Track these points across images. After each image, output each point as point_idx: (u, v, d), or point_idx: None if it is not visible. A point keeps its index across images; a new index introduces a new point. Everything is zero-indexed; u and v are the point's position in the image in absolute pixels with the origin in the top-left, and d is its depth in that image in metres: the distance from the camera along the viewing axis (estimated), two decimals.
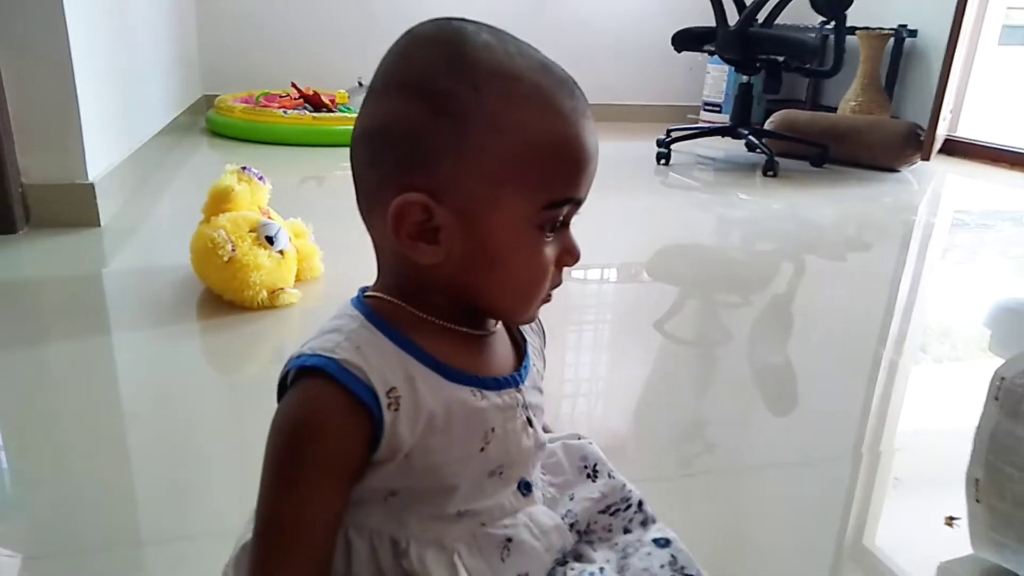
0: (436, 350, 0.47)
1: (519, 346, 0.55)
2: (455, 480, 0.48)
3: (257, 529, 0.45)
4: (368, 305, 0.49)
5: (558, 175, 0.46)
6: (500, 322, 0.53)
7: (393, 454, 0.45)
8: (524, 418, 0.51)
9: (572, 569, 0.51)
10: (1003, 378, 0.73)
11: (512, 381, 0.51)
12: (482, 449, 0.48)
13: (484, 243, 0.45)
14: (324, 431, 0.44)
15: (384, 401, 0.44)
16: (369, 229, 0.50)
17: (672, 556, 0.54)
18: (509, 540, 0.50)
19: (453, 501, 0.48)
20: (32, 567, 0.72)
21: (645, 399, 1.18)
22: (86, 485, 0.87)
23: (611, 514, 0.58)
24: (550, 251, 0.47)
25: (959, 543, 0.80)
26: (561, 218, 0.47)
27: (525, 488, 0.52)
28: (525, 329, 0.56)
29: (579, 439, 0.61)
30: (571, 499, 0.57)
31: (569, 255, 0.49)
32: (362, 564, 0.47)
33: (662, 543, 0.55)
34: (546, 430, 0.59)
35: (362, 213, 0.50)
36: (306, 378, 0.45)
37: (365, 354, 0.45)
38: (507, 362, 0.52)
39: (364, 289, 0.51)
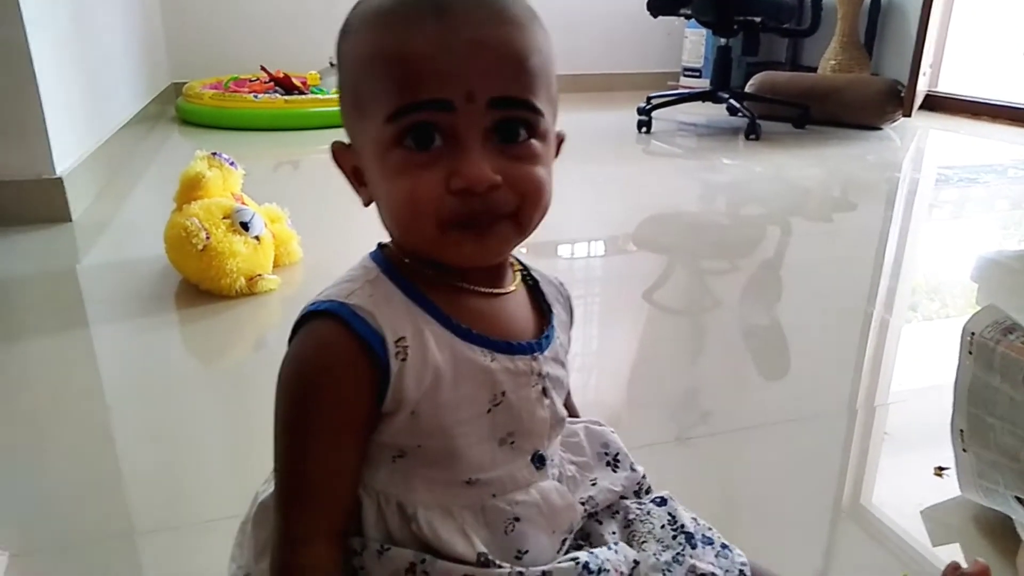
0: (448, 307, 0.47)
1: (543, 316, 0.53)
2: (461, 442, 0.46)
3: (277, 483, 0.46)
4: (385, 256, 0.48)
5: (384, 84, 0.42)
6: (518, 286, 0.52)
7: (398, 406, 0.45)
8: (540, 388, 0.49)
9: (588, 552, 0.49)
10: (973, 333, 0.75)
11: (528, 348, 0.49)
12: (489, 411, 0.47)
13: (369, 174, 0.46)
14: (332, 373, 0.44)
15: (392, 350, 0.44)
16: None
17: (670, 514, 0.55)
18: (517, 519, 0.48)
19: (462, 467, 0.47)
20: (20, 564, 0.71)
21: (638, 369, 1.17)
22: (71, 480, 0.85)
23: (622, 497, 0.57)
24: (432, 172, 0.42)
25: (949, 493, 0.81)
26: (426, 128, 0.42)
27: (539, 461, 0.50)
28: (552, 301, 0.54)
29: (600, 426, 0.60)
30: (593, 485, 0.56)
31: (454, 175, 0.42)
32: (370, 523, 0.47)
33: (658, 501, 0.56)
34: (572, 412, 0.58)
35: None
36: (316, 319, 0.45)
37: (377, 302, 0.45)
38: (525, 328, 0.51)
39: (383, 244, 0.50)
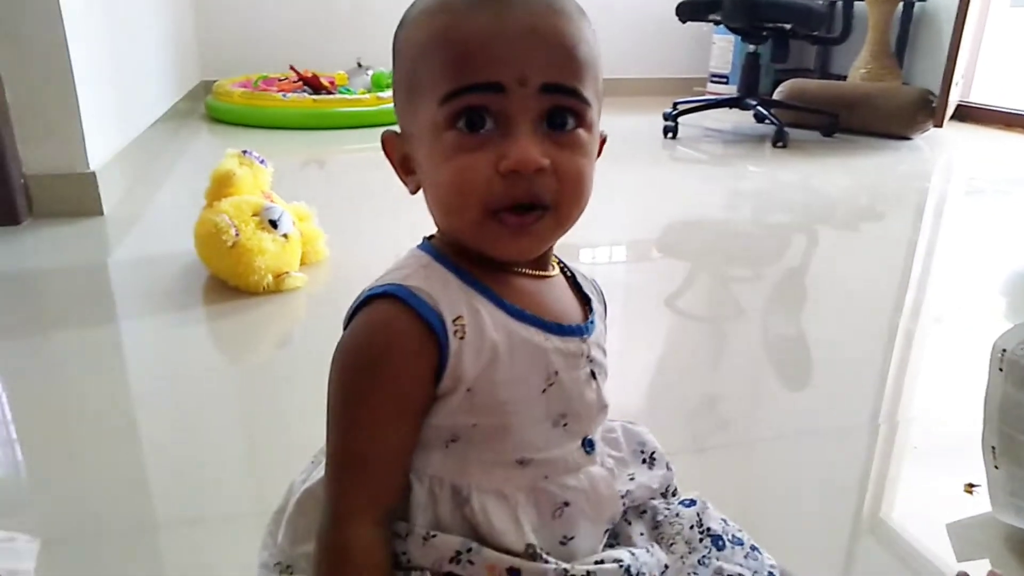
0: (500, 289, 0.48)
1: (584, 303, 0.54)
2: (516, 420, 0.47)
3: (329, 461, 0.46)
4: (432, 245, 0.49)
5: (440, 66, 0.43)
6: (558, 271, 0.53)
7: (456, 384, 0.45)
8: (588, 371, 0.50)
9: (628, 552, 0.50)
10: (1004, 350, 0.74)
11: (578, 330, 0.50)
12: (544, 391, 0.48)
13: (419, 160, 0.47)
14: (393, 350, 0.44)
15: (451, 328, 0.44)
16: None
17: (698, 515, 0.55)
18: (566, 504, 0.49)
19: (515, 445, 0.47)
20: (51, 551, 0.72)
21: (658, 375, 1.16)
22: (99, 471, 0.87)
23: (651, 498, 0.58)
24: (481, 155, 0.43)
25: (978, 509, 0.79)
26: (478, 111, 0.42)
27: (589, 446, 0.51)
28: (588, 292, 0.55)
29: (635, 426, 0.61)
30: (631, 480, 0.56)
31: (505, 158, 0.42)
32: (419, 509, 0.47)
33: (687, 503, 0.57)
34: None
35: None
36: (375, 301, 0.45)
37: (433, 284, 0.46)
38: (572, 312, 0.52)
39: (429, 236, 0.51)
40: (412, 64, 0.46)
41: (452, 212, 0.46)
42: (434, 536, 0.46)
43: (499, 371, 0.46)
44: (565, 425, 0.49)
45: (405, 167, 0.49)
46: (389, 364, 0.44)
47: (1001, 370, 0.74)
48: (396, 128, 0.50)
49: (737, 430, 0.99)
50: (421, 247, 0.50)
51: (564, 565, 0.46)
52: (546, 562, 0.46)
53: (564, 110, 0.44)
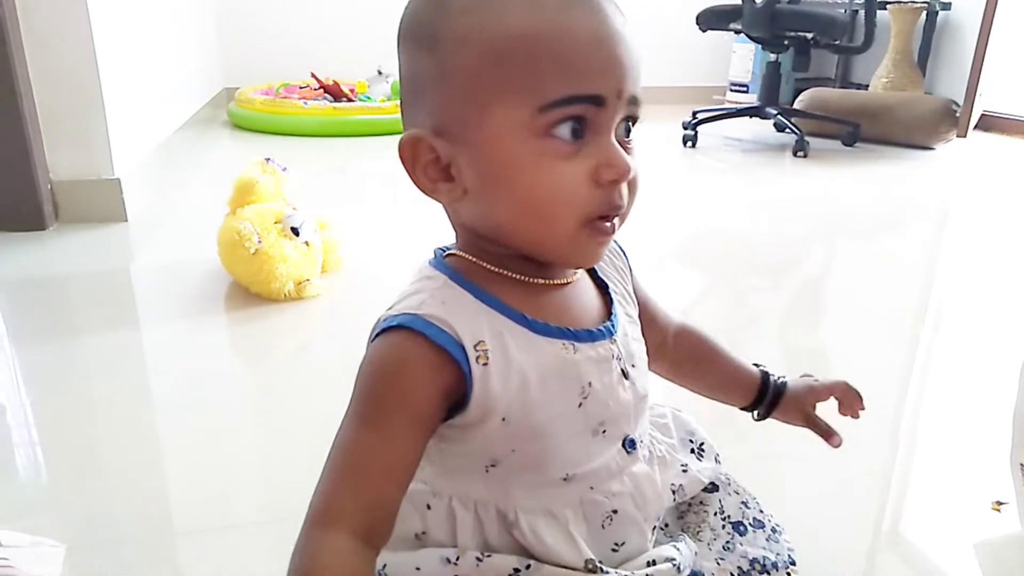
0: (521, 305, 0.46)
1: (605, 294, 0.52)
2: (557, 440, 0.46)
3: (327, 463, 0.44)
4: (447, 264, 0.48)
5: (541, 70, 0.41)
6: (582, 271, 0.51)
7: (486, 414, 0.44)
8: (619, 370, 0.49)
9: (673, 547, 0.50)
10: None
11: (605, 332, 0.49)
12: (580, 405, 0.46)
13: (490, 166, 0.43)
14: (404, 373, 0.43)
15: (472, 354, 0.43)
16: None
17: (719, 501, 0.56)
18: (615, 512, 0.48)
19: (558, 464, 0.46)
20: (76, 557, 0.73)
21: (675, 386, 1.15)
22: (121, 476, 0.87)
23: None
24: (577, 164, 0.42)
25: (1007, 527, 0.78)
26: (578, 121, 0.42)
27: (630, 446, 0.50)
28: (605, 278, 0.53)
29: (683, 414, 0.60)
30: (684, 471, 0.55)
31: (607, 166, 0.42)
32: (467, 534, 0.47)
33: (709, 488, 0.56)
34: (665, 321, 0.60)
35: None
36: (390, 333, 0.44)
37: (450, 308, 0.44)
38: (596, 312, 0.50)
39: (443, 249, 0.49)
40: (487, 62, 0.41)
41: (545, 222, 0.43)
42: (488, 556, 0.45)
43: (531, 394, 0.44)
44: (604, 432, 0.48)
45: (442, 172, 0.44)
46: (402, 383, 0.43)
47: None
48: (420, 131, 0.44)
49: (754, 443, 0.98)
50: (435, 264, 0.48)
51: (624, 573, 0.46)
52: (606, 573, 0.46)
53: (634, 119, 0.45)
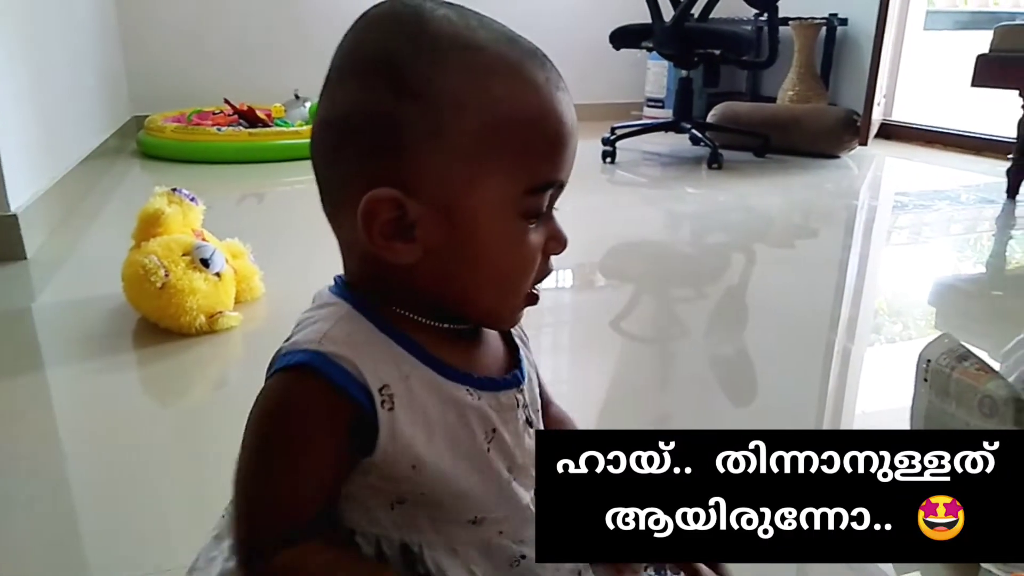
0: (431, 346, 0.45)
1: (511, 346, 0.52)
2: (465, 484, 0.45)
3: (235, 501, 0.43)
4: (352, 293, 0.46)
5: (537, 154, 0.42)
6: None
7: (395, 457, 0.42)
8: (524, 418, 0.49)
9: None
10: (928, 360, 0.77)
11: (512, 381, 0.49)
12: (488, 450, 0.46)
13: (465, 235, 0.42)
14: (303, 420, 0.42)
15: (378, 399, 0.41)
16: (336, 230, 0.47)
17: None
18: (523, 557, 0.47)
19: (468, 507, 0.46)
20: None
21: (607, 397, 1.16)
22: (27, 529, 0.82)
23: None
24: (536, 239, 0.44)
25: None
26: (545, 205, 0.44)
27: None
28: (515, 338, 0.53)
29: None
30: None
31: (556, 241, 0.46)
32: None
33: None
34: (546, 402, 0.58)
35: (327, 213, 0.46)
36: (288, 372, 0.42)
37: (355, 343, 0.42)
38: (501, 362, 0.50)
39: (342, 277, 0.47)
40: (493, 132, 0.41)
41: (508, 293, 0.46)
42: None
43: (437, 438, 0.43)
44: (515, 479, 0.48)
45: (401, 233, 0.42)
46: (303, 430, 0.42)
47: (926, 380, 0.77)
48: (390, 191, 0.41)
49: None
50: (336, 292, 0.46)
51: None
52: None
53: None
